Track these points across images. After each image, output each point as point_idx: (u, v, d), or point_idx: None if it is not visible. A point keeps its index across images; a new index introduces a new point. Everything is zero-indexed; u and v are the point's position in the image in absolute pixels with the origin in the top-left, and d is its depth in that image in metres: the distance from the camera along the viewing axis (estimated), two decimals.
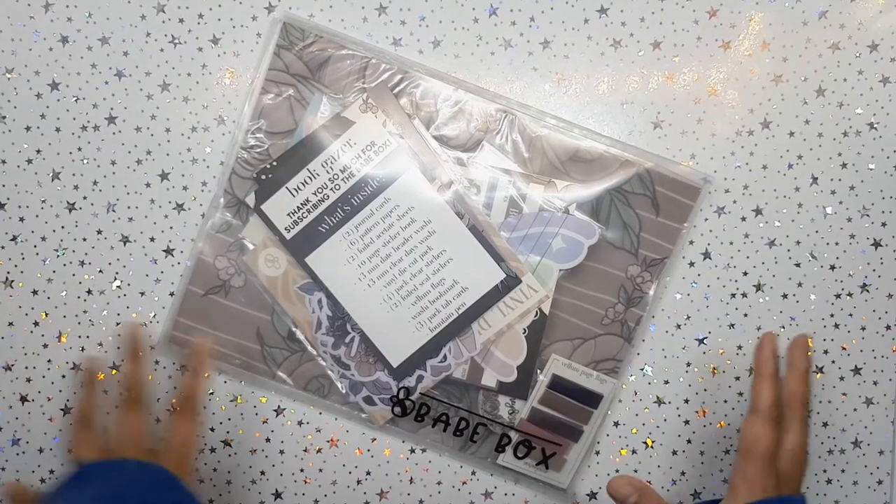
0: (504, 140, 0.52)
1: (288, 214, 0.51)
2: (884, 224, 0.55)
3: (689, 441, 0.56)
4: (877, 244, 0.55)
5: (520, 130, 0.52)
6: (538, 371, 0.53)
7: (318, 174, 0.51)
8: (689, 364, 0.55)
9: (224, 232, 0.53)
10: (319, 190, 0.51)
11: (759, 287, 0.55)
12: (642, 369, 0.55)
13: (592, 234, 0.52)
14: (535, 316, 0.53)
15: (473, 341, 0.53)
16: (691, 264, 0.55)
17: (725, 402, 0.55)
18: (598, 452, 0.56)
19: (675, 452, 0.56)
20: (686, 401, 0.55)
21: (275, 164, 0.51)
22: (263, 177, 0.51)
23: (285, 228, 0.51)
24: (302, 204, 0.51)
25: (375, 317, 0.52)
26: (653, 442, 0.56)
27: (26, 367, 0.54)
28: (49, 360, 0.54)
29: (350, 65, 0.52)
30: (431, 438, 0.54)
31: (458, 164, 0.52)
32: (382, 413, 0.53)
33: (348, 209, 0.51)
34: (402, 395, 0.53)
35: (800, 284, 0.55)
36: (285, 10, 0.52)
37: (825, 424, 0.56)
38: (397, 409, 0.53)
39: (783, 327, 0.55)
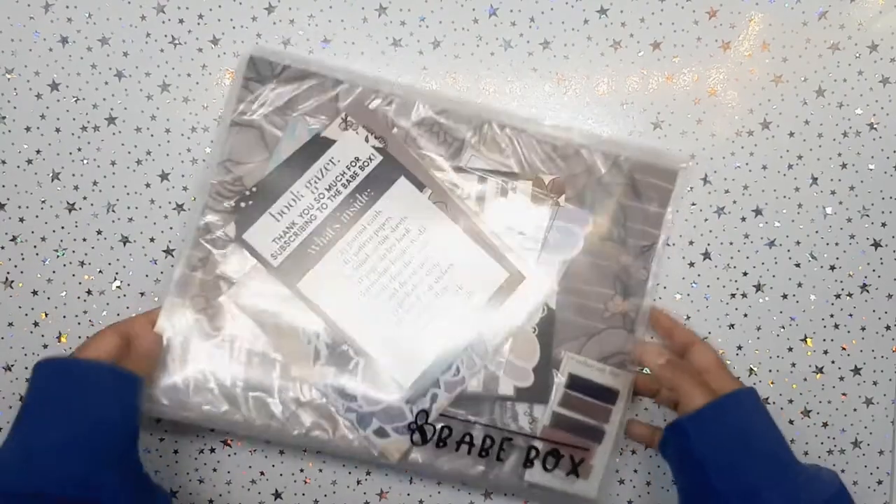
0: (484, 145, 0.52)
1: (273, 240, 0.49)
2: (884, 224, 0.55)
3: None
4: (877, 244, 0.55)
5: (494, 136, 0.52)
6: (554, 371, 0.51)
7: (302, 195, 0.49)
8: None
9: (199, 270, 0.49)
10: (305, 211, 0.49)
11: (759, 287, 0.55)
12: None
13: (586, 222, 0.52)
14: (543, 312, 0.51)
15: (485, 347, 0.50)
16: (691, 264, 0.55)
17: None
18: None
19: None
20: None
21: (254, 190, 0.49)
22: (243, 204, 0.49)
23: (272, 255, 0.49)
24: (288, 227, 0.49)
25: (380, 337, 0.49)
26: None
27: (26, 368, 0.54)
28: None
29: (322, 90, 0.51)
30: (453, 466, 0.50)
31: (445, 171, 0.51)
32: (397, 445, 0.49)
33: (338, 227, 0.49)
34: (420, 421, 0.49)
35: (800, 284, 0.55)
36: (253, 45, 0.52)
37: (825, 424, 0.56)
38: (416, 437, 0.49)
39: (783, 327, 0.55)
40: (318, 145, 0.50)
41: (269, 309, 0.49)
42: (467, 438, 0.50)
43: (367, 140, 0.50)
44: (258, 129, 0.50)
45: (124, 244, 0.54)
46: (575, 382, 0.51)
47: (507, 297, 0.51)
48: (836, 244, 0.55)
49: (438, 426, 0.50)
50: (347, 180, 0.50)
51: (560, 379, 0.51)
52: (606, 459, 0.51)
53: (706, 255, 0.55)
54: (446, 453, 0.50)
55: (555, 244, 0.52)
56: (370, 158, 0.50)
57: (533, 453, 0.51)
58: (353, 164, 0.50)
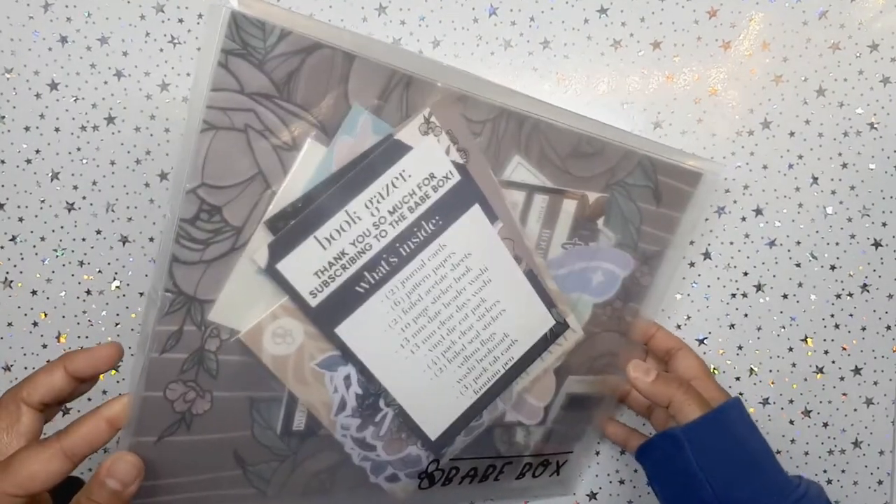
0: (522, 148, 0.43)
1: (316, 273, 0.38)
2: (884, 224, 0.55)
3: None
4: (877, 244, 0.55)
5: (520, 125, 0.42)
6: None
7: (359, 217, 0.38)
8: None
9: (173, 349, 0.37)
10: (360, 238, 0.38)
11: (759, 287, 0.55)
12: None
13: (628, 265, 0.48)
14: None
15: (511, 392, 0.46)
16: (691, 264, 0.55)
17: None
18: (598, 453, 0.56)
19: None
20: None
21: (299, 205, 0.37)
22: (281, 224, 0.37)
23: (310, 293, 0.38)
24: (336, 258, 0.38)
25: (417, 387, 0.43)
26: None
27: (26, 368, 0.53)
28: (48, 361, 0.53)
29: (331, 66, 0.36)
30: (453, 495, 0.50)
31: (508, 188, 0.43)
32: (405, 487, 0.46)
33: (395, 261, 0.40)
34: (431, 469, 0.46)
35: (800, 284, 0.55)
36: None
37: (825, 424, 0.56)
38: (425, 483, 0.47)
39: (783, 327, 0.55)
40: (389, 150, 0.38)
41: (294, 353, 0.40)
42: (472, 472, 0.49)
43: (448, 152, 0.39)
44: (244, 134, 0.35)
45: (124, 244, 0.53)
46: (571, 401, 0.51)
47: (547, 347, 0.46)
48: (837, 244, 0.55)
49: (447, 468, 0.47)
50: (416, 203, 0.39)
51: (559, 401, 0.50)
52: (583, 452, 0.54)
53: (706, 255, 0.55)
54: (451, 488, 0.49)
55: (596, 286, 0.48)
56: (447, 177, 0.40)
57: (526, 468, 0.52)
58: (427, 181, 0.39)
